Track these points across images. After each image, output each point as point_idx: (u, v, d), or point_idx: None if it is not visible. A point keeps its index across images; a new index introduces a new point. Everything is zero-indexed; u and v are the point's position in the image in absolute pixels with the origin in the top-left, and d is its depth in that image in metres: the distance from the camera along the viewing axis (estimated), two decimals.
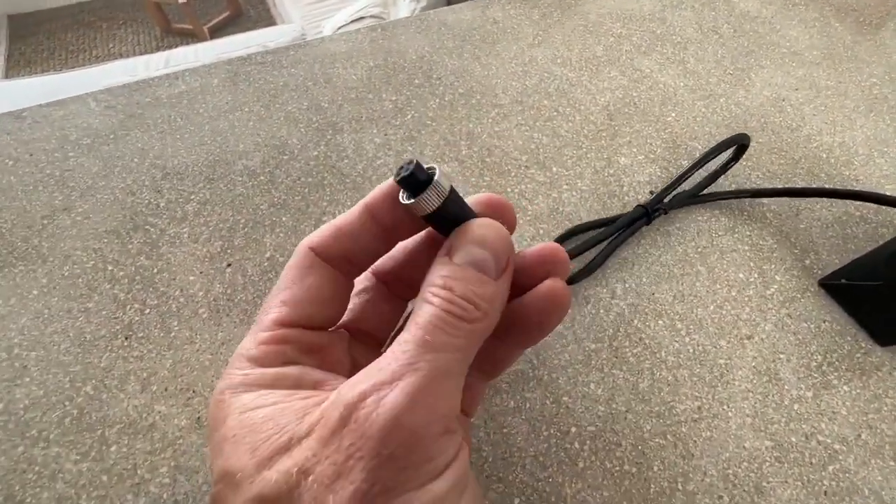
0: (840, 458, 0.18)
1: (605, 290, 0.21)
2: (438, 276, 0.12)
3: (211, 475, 0.12)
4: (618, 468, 0.17)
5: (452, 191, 0.12)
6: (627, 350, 0.20)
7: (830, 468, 0.18)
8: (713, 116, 0.28)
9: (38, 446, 0.17)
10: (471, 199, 0.13)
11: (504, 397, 0.19)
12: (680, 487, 0.17)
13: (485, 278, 0.12)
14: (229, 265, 0.21)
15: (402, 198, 0.12)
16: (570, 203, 0.24)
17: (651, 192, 0.24)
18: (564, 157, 0.26)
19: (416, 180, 0.11)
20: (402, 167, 0.11)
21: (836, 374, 0.20)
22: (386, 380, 0.10)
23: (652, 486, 0.17)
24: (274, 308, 0.13)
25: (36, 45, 2.49)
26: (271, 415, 0.11)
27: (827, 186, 0.25)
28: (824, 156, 0.27)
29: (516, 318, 0.14)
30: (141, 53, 2.40)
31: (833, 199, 0.24)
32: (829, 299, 0.22)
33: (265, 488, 0.10)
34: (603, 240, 0.22)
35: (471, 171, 0.25)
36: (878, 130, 0.28)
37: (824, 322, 0.21)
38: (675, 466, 0.18)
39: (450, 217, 0.12)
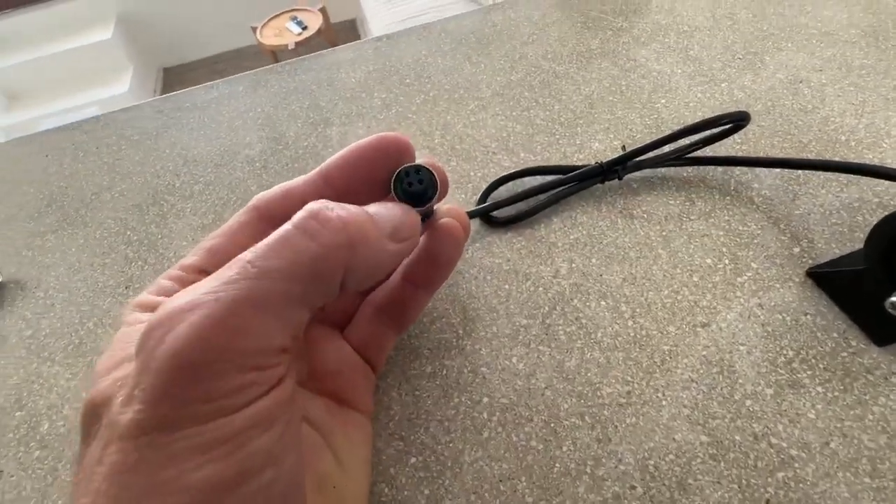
0: (796, 465, 0.15)
1: (548, 269, 0.21)
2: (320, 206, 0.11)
3: None
4: (523, 442, 0.17)
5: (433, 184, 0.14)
6: (560, 328, 0.19)
7: (780, 475, 0.15)
8: (709, 101, 0.26)
9: (45, 364, 0.21)
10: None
11: (423, 362, 0.19)
12: (588, 471, 0.16)
13: (349, 207, 0.12)
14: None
15: (399, 196, 0.13)
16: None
17: (623, 148, 0.23)
18: (534, 144, 0.26)
19: (407, 172, 0.13)
20: (403, 172, 0.13)
21: (809, 372, 0.17)
22: (185, 307, 0.10)
23: (557, 464, 0.16)
24: (197, 252, 0.15)
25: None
26: (136, 331, 0.12)
27: (837, 159, 0.21)
28: (843, 138, 0.23)
29: (416, 254, 0.15)
30: None
31: (845, 181, 0.21)
32: (816, 291, 0.19)
33: (96, 391, 0.11)
34: (549, 189, 0.21)
35: (439, 157, 0.26)
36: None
37: (806, 315, 0.18)
38: (587, 449, 0.16)
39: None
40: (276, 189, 0.15)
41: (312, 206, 0.11)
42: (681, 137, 0.21)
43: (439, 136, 0.27)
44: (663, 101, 0.26)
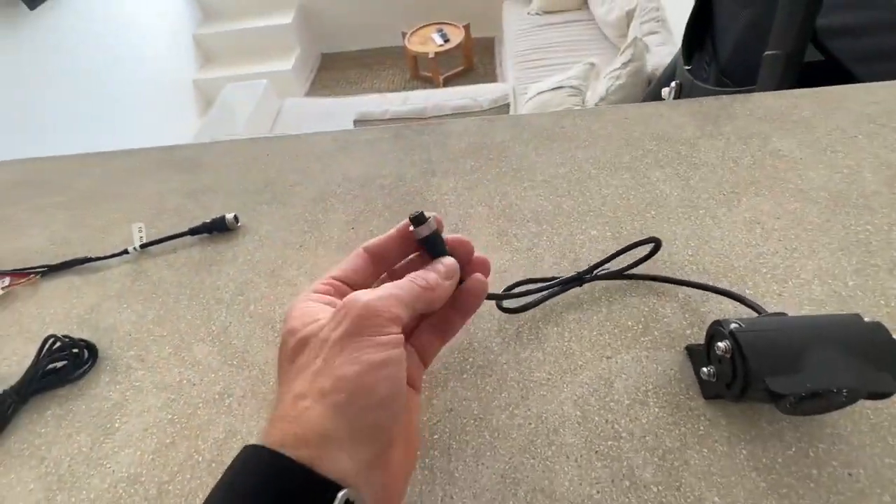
0: (623, 439, 0.28)
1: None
2: (423, 272, 0.25)
3: (283, 332, 0.24)
4: (488, 387, 0.31)
5: (436, 230, 0.26)
6: (532, 352, 0.33)
7: (610, 443, 0.28)
8: (683, 220, 0.37)
9: (255, 275, 0.40)
10: (450, 237, 0.27)
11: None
12: (511, 412, 0.30)
13: (435, 277, 0.24)
14: (352, 228, 0.42)
15: (411, 228, 0.28)
16: (541, 247, 0.37)
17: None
18: (556, 220, 0.39)
19: (419, 219, 0.26)
20: (414, 213, 0.26)
21: (655, 399, 0.29)
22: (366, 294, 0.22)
23: (495, 401, 0.30)
24: (335, 270, 0.28)
25: (330, 76, 3.45)
26: (314, 308, 0.24)
27: (736, 290, 0.32)
28: (764, 271, 0.34)
29: (458, 295, 0.27)
30: (391, 91, 3.13)
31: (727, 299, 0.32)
32: (687, 359, 0.30)
33: (304, 332, 0.22)
34: (540, 292, 0.35)
35: (494, 216, 0.41)
36: (834, 266, 0.33)
37: (671, 370, 0.30)
38: (515, 398, 0.30)
39: (431, 244, 0.26)
40: (377, 239, 0.27)
41: (430, 276, 0.24)
42: (618, 255, 0.33)
43: (498, 201, 0.42)
44: (652, 212, 0.38)
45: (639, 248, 0.33)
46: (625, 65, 1.79)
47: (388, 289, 0.23)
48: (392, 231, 0.27)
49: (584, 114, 0.48)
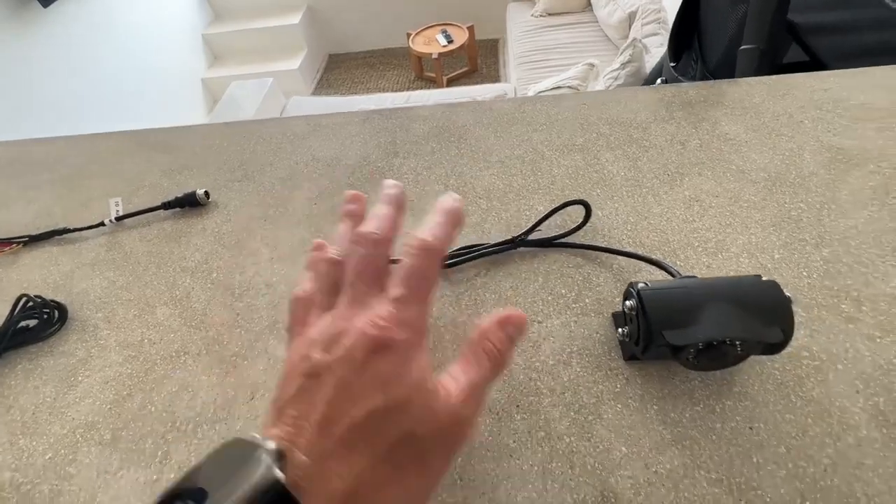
0: (543, 394, 0.29)
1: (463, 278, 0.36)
2: (496, 338, 0.21)
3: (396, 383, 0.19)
4: None
5: None
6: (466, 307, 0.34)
7: (531, 398, 0.29)
8: (629, 199, 0.39)
9: (220, 247, 0.42)
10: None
11: None
12: None
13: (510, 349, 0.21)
14: (315, 204, 0.44)
15: None
16: (489, 222, 0.39)
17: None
18: (506, 197, 0.41)
19: None
20: None
21: (578, 359, 0.30)
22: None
23: None
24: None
25: (336, 76, 3.49)
26: (432, 382, 0.19)
27: (664, 260, 0.33)
28: (696, 244, 0.35)
29: None
30: (395, 91, 3.16)
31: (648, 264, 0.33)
32: (611, 324, 0.32)
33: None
34: (477, 254, 0.36)
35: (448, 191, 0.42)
36: (764, 240, 0.34)
37: (597, 333, 0.31)
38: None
39: None
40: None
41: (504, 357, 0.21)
42: (547, 218, 0.35)
43: (454, 179, 0.43)
44: (598, 190, 0.40)
45: (580, 218, 0.35)
46: (623, 65, 1.80)
47: (478, 397, 0.20)
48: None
49: (544, 99, 0.49)
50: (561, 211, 0.37)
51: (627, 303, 0.27)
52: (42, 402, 0.34)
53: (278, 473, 0.15)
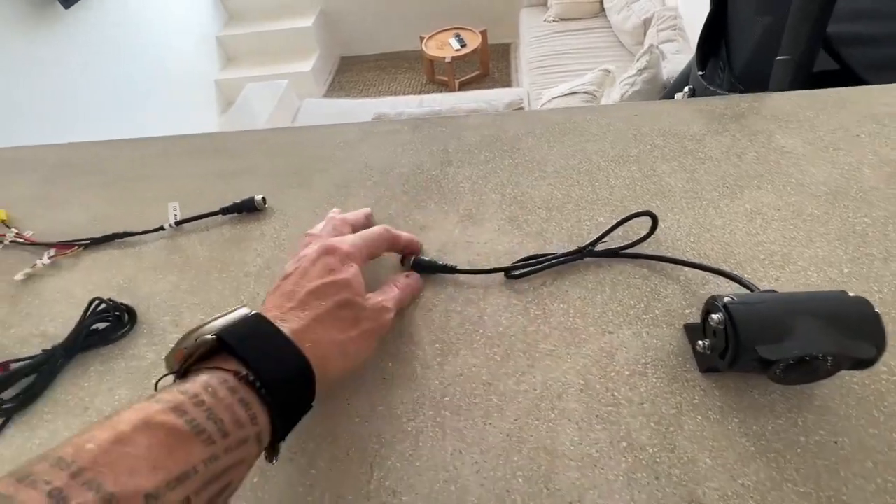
0: (622, 405, 0.30)
1: (540, 301, 0.37)
2: (402, 281, 0.36)
3: (341, 273, 0.32)
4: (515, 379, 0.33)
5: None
6: (540, 323, 0.35)
7: (610, 408, 0.30)
8: (686, 210, 0.39)
9: (281, 252, 0.43)
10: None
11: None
12: (518, 380, 0.32)
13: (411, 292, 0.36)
14: (373, 211, 0.45)
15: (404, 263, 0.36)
16: (550, 232, 0.40)
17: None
18: (565, 208, 0.41)
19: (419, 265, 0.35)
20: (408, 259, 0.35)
21: (653, 370, 0.31)
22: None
23: (504, 370, 0.32)
24: (373, 248, 0.35)
25: (348, 78, 3.51)
26: (362, 284, 0.31)
27: (734, 272, 0.34)
28: (762, 257, 0.35)
29: None
30: (407, 94, 3.17)
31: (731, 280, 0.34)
32: (684, 336, 0.32)
33: (355, 298, 0.30)
34: (545, 265, 0.37)
35: (506, 203, 0.43)
36: (830, 254, 0.35)
37: (670, 345, 0.32)
38: (523, 366, 0.32)
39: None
40: (396, 234, 0.37)
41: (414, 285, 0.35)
42: (614, 229, 0.35)
43: (510, 188, 0.44)
44: (657, 202, 0.40)
45: (643, 229, 0.35)
46: (640, 72, 1.81)
47: (393, 303, 0.33)
48: (406, 238, 0.38)
49: (594, 110, 0.50)
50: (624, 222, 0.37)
51: (714, 316, 0.27)
52: (118, 403, 0.35)
53: (252, 311, 0.27)
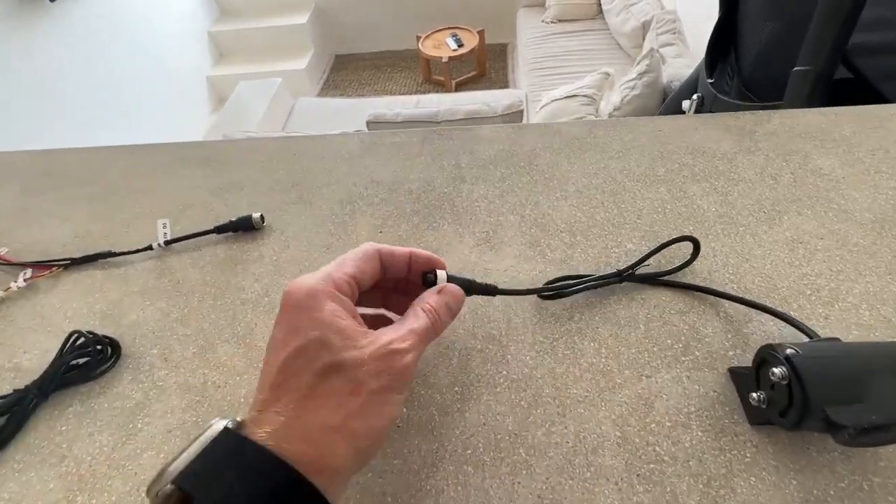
0: (665, 461, 0.27)
1: (575, 326, 0.34)
2: (433, 300, 0.26)
3: (308, 328, 0.22)
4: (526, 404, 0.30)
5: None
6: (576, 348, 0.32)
7: (652, 466, 0.27)
8: (722, 237, 0.36)
9: (281, 277, 0.39)
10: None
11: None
12: (559, 423, 0.29)
13: (447, 313, 0.26)
14: (381, 232, 0.41)
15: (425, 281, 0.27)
16: (575, 259, 0.37)
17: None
18: (590, 232, 0.38)
19: (430, 280, 0.27)
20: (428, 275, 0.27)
21: (698, 422, 0.28)
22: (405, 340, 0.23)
23: (534, 414, 0.29)
24: (352, 268, 0.25)
25: (343, 77, 3.46)
26: (349, 326, 0.23)
27: (782, 310, 0.31)
28: (808, 292, 0.33)
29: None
30: (403, 94, 3.13)
31: (778, 320, 0.31)
32: (730, 382, 0.29)
33: (340, 356, 0.22)
34: (584, 286, 0.34)
35: (526, 226, 0.40)
36: (882, 290, 0.32)
37: (714, 392, 0.29)
38: (559, 411, 0.29)
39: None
40: (388, 247, 0.27)
41: (443, 315, 0.26)
42: (653, 255, 0.33)
43: (530, 209, 0.41)
44: (691, 227, 0.37)
45: (676, 258, 0.33)
46: (640, 75, 1.79)
47: (415, 338, 0.24)
48: (405, 250, 0.28)
49: (616, 124, 0.47)
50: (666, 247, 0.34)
51: (776, 370, 0.24)
52: (99, 451, 0.31)
53: (223, 422, 0.21)
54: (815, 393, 0.22)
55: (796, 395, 0.23)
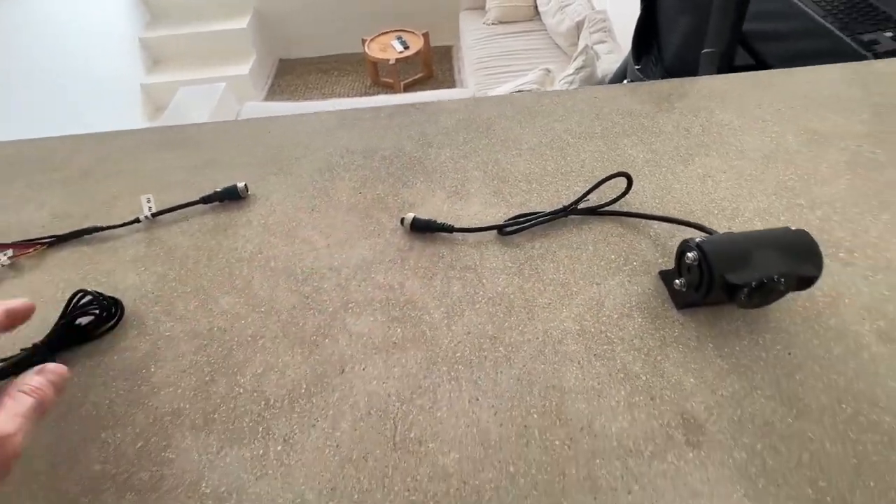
0: (618, 349, 0.33)
1: (531, 254, 0.40)
2: (36, 382, 0.25)
3: None
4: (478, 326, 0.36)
5: None
6: (533, 277, 0.38)
7: (605, 347, 0.33)
8: (649, 176, 0.44)
9: (270, 236, 0.43)
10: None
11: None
12: (524, 324, 0.35)
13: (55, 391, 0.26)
14: (360, 192, 0.46)
15: None
16: (533, 201, 0.43)
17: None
18: (544, 180, 0.45)
19: None
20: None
21: (638, 312, 0.35)
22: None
23: (508, 321, 0.35)
24: None
25: (289, 81, 3.41)
26: None
27: (689, 220, 0.39)
28: (716, 212, 0.41)
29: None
30: (352, 96, 3.14)
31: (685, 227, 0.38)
32: (659, 281, 0.37)
33: None
34: (533, 222, 0.40)
35: (489, 179, 0.46)
36: (769, 206, 0.41)
37: (648, 289, 0.36)
38: (524, 317, 0.35)
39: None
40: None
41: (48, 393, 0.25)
42: (593, 190, 0.40)
43: (491, 166, 0.47)
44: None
45: (615, 191, 0.40)
46: (577, 70, 1.92)
47: (23, 421, 0.24)
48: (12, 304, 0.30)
49: (559, 94, 0.54)
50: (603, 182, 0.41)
51: (689, 255, 0.31)
52: (116, 395, 0.33)
53: None
54: (716, 264, 0.30)
55: (704, 269, 0.30)
